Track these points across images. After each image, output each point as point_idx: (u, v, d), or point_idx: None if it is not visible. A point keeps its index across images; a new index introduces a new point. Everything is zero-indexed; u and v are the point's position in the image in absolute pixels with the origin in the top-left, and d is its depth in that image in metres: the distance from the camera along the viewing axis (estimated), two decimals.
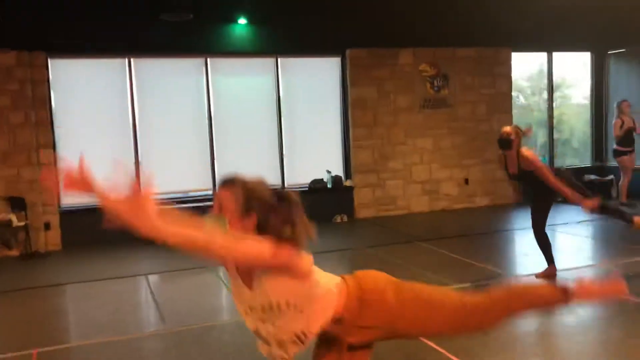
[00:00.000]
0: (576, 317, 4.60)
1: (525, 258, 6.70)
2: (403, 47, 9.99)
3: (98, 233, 8.09)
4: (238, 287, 2.03)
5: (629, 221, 5.44)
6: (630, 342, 4.07)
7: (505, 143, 5.43)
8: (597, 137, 11.64)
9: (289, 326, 1.98)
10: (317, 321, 2.00)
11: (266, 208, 1.98)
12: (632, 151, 9.70)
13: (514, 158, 5.46)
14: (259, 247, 1.78)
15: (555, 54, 11.27)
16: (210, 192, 9.36)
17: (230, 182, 2.00)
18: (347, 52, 9.77)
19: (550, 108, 11.42)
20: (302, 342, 2.02)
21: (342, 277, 2.13)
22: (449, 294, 2.24)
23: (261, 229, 1.95)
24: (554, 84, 11.38)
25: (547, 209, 5.60)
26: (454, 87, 10.37)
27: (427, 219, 9.78)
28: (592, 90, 11.63)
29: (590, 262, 6.60)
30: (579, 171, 10.87)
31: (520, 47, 10.79)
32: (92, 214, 8.25)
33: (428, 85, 10.22)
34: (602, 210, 5.32)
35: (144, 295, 6.07)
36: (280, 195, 2.05)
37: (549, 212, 5.64)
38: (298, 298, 1.95)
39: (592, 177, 10.97)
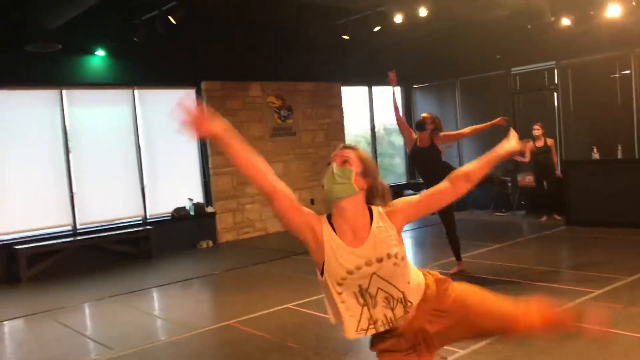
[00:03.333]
0: None
1: None
2: (252, 80, 10.77)
3: None
4: (339, 251, 2.24)
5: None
6: None
7: (421, 124, 6.56)
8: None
9: (399, 282, 2.24)
10: (414, 291, 2.30)
11: (375, 179, 2.37)
12: None
13: (426, 138, 6.55)
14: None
15: (374, 88, 13.01)
16: (70, 229, 9.04)
17: (353, 147, 2.41)
18: (202, 84, 10.24)
19: (373, 129, 13.11)
20: (405, 308, 2.25)
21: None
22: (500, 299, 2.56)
23: (369, 193, 2.36)
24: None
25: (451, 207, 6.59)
26: (297, 117, 11.42)
27: (283, 238, 10.56)
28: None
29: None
30: (399, 187, 12.65)
31: (349, 81, 12.29)
32: None
33: (275, 115, 11.13)
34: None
35: (61, 330, 5.86)
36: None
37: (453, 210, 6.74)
38: (403, 254, 2.28)
39: (410, 192, 12.83)
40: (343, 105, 12.26)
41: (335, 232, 2.28)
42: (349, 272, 2.21)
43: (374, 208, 2.33)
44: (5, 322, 6.25)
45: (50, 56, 8.35)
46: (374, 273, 2.21)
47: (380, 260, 2.21)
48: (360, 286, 2.23)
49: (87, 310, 6.58)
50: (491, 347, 4.29)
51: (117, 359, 4.80)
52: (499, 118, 6.82)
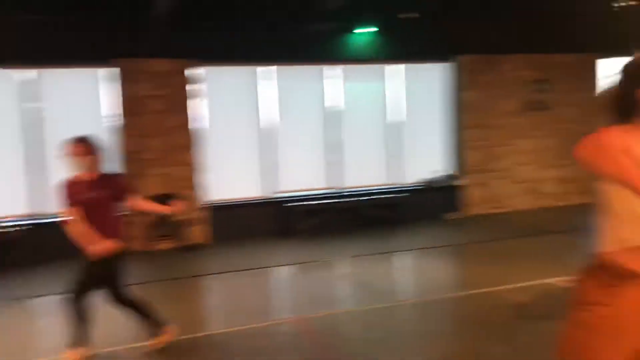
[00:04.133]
0: None
1: None
2: (506, 53, 10.61)
3: (245, 226, 8.99)
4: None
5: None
6: None
7: None
8: None
9: None
10: None
11: None
12: None
13: None
14: None
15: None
16: (332, 192, 9.98)
17: None
18: (457, 58, 10.39)
19: None
20: None
21: None
22: None
23: None
24: None
25: None
26: (553, 91, 10.96)
27: (530, 216, 10.32)
28: None
29: None
30: None
31: (610, 53, 11.36)
32: (238, 208, 9.07)
33: (529, 89, 10.83)
34: None
35: (331, 277, 6.67)
36: None
37: None
38: None
39: None
40: (601, 79, 11.42)
41: None
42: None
43: None
44: (283, 267, 7.33)
45: (325, 33, 9.28)
46: None
47: None
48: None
49: (350, 264, 7.33)
50: None
51: (392, 307, 5.34)
52: None
